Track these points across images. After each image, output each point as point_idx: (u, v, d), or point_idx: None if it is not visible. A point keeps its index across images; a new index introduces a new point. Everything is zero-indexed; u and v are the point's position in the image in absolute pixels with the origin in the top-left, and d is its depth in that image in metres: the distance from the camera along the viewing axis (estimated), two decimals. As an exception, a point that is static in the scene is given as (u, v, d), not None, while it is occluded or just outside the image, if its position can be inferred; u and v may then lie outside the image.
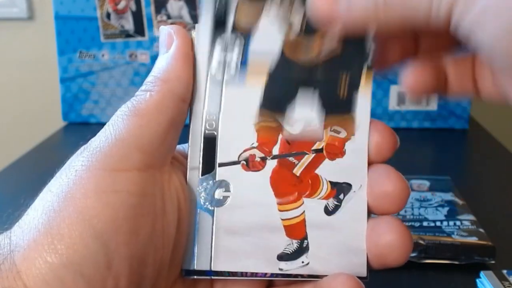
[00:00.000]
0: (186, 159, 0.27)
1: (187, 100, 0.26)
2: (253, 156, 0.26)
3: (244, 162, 0.26)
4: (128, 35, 0.76)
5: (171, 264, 0.25)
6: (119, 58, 0.77)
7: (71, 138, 0.76)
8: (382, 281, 0.41)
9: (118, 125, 0.24)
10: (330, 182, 0.26)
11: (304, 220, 0.26)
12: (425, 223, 0.46)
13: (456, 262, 0.42)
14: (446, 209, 0.48)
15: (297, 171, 0.26)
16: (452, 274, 0.42)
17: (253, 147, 0.26)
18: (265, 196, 0.26)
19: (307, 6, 0.25)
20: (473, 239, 0.43)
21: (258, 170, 0.26)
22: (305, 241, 0.26)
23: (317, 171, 0.26)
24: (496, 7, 0.20)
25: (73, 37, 0.76)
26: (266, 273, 0.26)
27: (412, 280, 0.42)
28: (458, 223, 0.45)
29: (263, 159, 0.26)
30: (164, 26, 0.27)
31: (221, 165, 0.26)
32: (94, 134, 0.25)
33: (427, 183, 0.54)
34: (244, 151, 0.26)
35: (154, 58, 0.24)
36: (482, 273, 0.39)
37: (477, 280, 0.40)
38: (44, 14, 1.08)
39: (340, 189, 0.26)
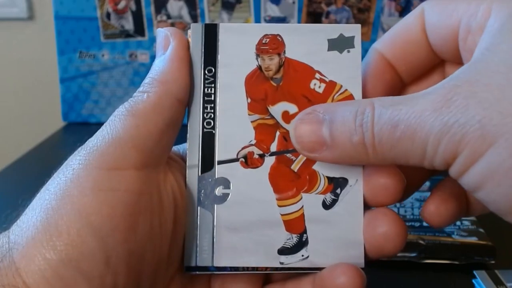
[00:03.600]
0: (182, 159, 0.27)
1: (184, 100, 0.26)
2: (252, 153, 0.27)
3: (243, 159, 0.27)
4: (128, 35, 0.76)
5: (169, 261, 0.26)
6: (119, 58, 0.77)
7: (71, 138, 0.75)
8: (382, 280, 0.41)
9: (115, 125, 0.24)
10: (327, 177, 0.27)
11: (303, 215, 0.27)
12: (425, 223, 0.45)
13: (456, 262, 0.42)
14: (446, 209, 0.48)
15: (295, 167, 0.27)
16: (452, 274, 0.42)
17: (251, 144, 0.27)
18: (264, 192, 0.27)
19: (290, 133, 0.26)
20: (473, 239, 0.43)
21: (257, 167, 0.27)
22: (304, 235, 0.26)
23: (314, 166, 0.27)
24: (504, 166, 0.20)
25: (73, 37, 0.76)
26: (267, 267, 0.26)
27: (412, 280, 0.41)
28: (458, 223, 0.45)
29: (262, 156, 0.27)
30: (161, 28, 0.27)
31: (220, 162, 0.27)
32: (93, 134, 0.25)
33: (427, 183, 0.54)
34: (243, 148, 0.27)
35: (154, 58, 0.25)
36: (475, 272, 0.40)
37: (473, 280, 0.40)
38: (44, 14, 1.08)
39: (337, 184, 0.27)
